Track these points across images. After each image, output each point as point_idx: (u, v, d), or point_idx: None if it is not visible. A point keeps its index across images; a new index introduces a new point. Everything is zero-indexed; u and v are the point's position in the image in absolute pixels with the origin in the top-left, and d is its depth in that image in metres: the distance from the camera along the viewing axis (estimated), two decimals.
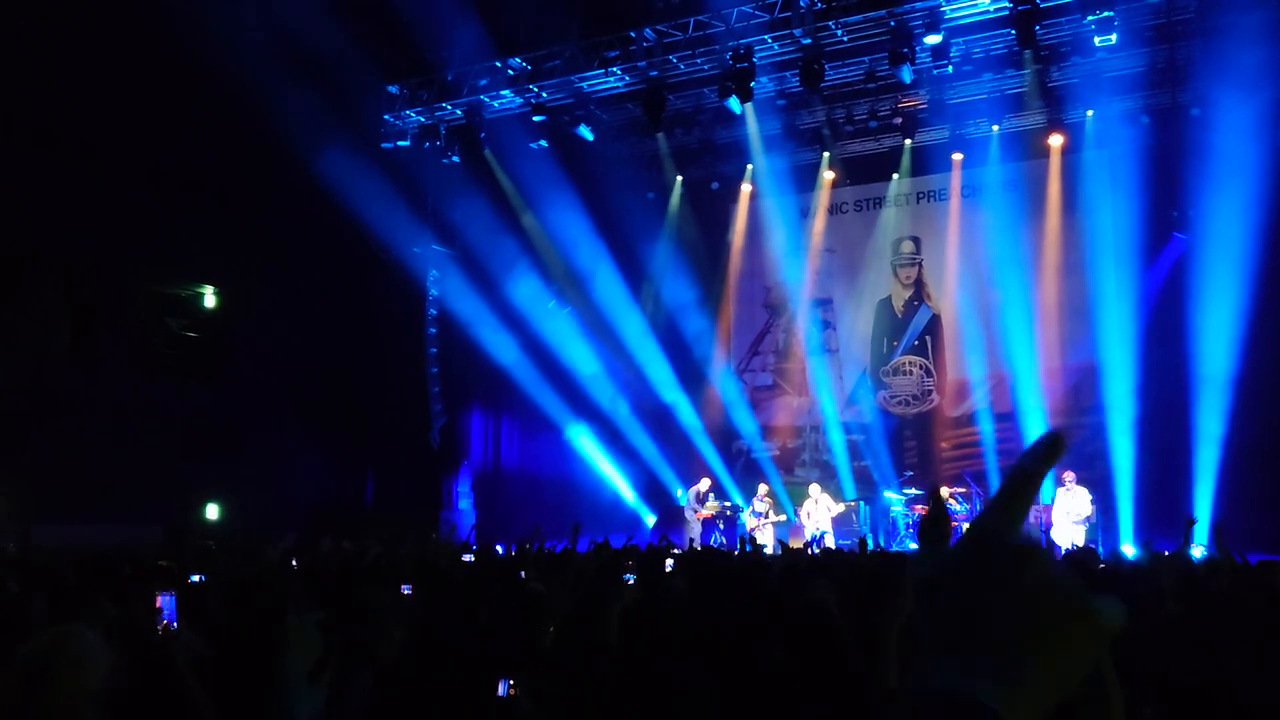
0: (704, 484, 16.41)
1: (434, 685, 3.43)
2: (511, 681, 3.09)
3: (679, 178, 19.09)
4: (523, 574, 6.50)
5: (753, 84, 14.18)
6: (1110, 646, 0.70)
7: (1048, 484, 13.19)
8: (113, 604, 3.91)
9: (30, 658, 1.78)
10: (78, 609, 3.85)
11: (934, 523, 0.89)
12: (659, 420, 19.07)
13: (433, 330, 17.84)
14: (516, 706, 2.98)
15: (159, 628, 2.97)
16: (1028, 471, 0.74)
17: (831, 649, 3.16)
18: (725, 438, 18.95)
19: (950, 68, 13.98)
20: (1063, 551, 10.55)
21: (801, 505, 15.52)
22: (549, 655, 3.79)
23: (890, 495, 16.13)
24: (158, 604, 3.05)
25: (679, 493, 17.03)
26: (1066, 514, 13.31)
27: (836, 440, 17.93)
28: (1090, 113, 15.90)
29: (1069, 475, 13.62)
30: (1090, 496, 13.43)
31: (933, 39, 13.19)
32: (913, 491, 16.08)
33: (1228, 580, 5.20)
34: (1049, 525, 13.52)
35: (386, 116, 16.53)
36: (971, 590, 0.69)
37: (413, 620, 4.22)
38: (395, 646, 3.71)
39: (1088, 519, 13.33)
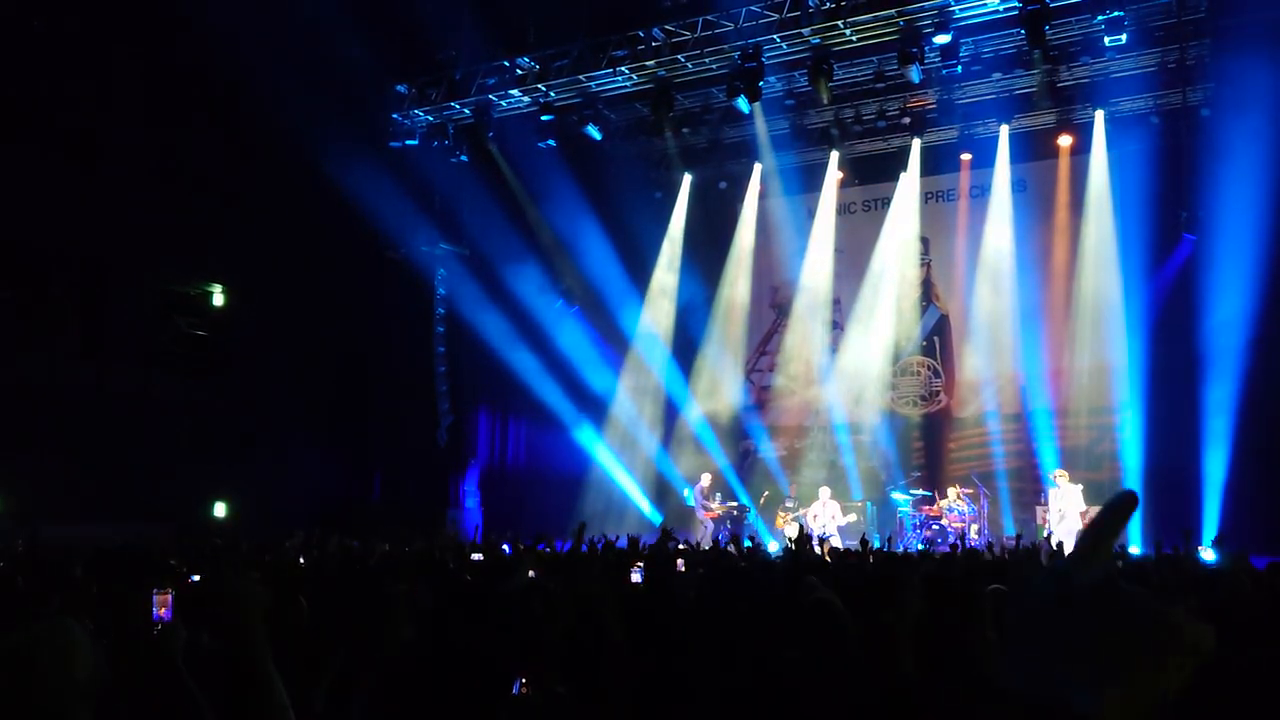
0: (706, 479, 16.40)
1: (444, 684, 3.42)
2: (524, 680, 3.07)
3: (687, 177, 19.08)
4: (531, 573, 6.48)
5: (761, 84, 14.16)
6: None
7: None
8: (114, 601, 3.91)
9: (14, 650, 1.77)
10: (79, 605, 3.85)
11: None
12: (666, 420, 19.04)
13: (440, 329, 17.85)
14: (529, 705, 2.97)
15: (156, 624, 2.97)
16: (1109, 524, 0.86)
17: (841, 646, 3.15)
18: (732, 438, 18.93)
19: (959, 67, 13.95)
20: (1050, 549, 10.31)
21: (809, 506, 15.50)
22: (556, 653, 3.78)
23: (897, 496, 16.09)
24: (156, 600, 3.05)
25: (685, 492, 17.02)
26: (1059, 512, 13.25)
27: (844, 440, 17.88)
28: (1100, 113, 15.83)
29: (1059, 474, 13.52)
30: (1085, 493, 13.34)
31: (942, 39, 13.16)
32: (920, 492, 16.04)
33: (1247, 584, 5.19)
34: (1042, 524, 13.49)
35: (395, 115, 16.55)
36: (1066, 613, 0.79)
37: (420, 618, 4.21)
38: (402, 645, 3.71)
39: (1082, 516, 13.26)
